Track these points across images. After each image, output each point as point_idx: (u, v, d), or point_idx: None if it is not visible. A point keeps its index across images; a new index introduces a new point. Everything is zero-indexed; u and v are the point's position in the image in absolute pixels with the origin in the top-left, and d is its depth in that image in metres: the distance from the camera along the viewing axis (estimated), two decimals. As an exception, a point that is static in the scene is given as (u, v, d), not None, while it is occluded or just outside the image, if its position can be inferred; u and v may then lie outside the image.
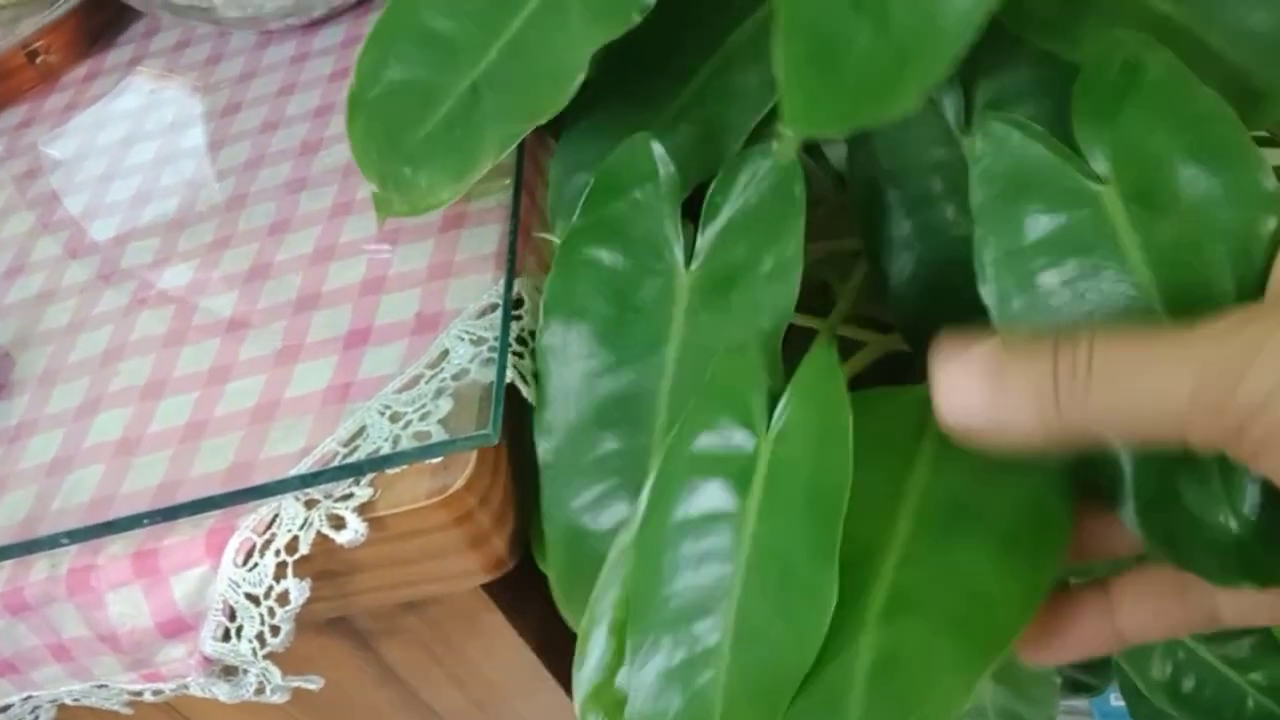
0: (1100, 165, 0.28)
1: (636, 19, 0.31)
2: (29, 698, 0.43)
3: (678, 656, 0.29)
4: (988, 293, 0.29)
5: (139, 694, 0.41)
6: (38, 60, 0.62)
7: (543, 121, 0.33)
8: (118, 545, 0.37)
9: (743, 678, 0.28)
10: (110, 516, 0.37)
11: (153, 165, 0.52)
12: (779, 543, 0.29)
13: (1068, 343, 0.23)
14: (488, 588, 0.39)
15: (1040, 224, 0.29)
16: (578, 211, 0.35)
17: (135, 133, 0.55)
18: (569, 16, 0.33)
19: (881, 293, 0.36)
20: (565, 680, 0.42)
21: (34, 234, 0.51)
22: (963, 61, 0.27)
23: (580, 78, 0.32)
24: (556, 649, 0.44)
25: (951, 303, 0.35)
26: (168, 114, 0.55)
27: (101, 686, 0.41)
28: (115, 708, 0.42)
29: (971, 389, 0.24)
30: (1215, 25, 0.29)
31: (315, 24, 0.56)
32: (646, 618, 0.30)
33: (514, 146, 0.35)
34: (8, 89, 0.61)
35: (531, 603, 0.42)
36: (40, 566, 0.38)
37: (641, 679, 0.30)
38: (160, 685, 0.40)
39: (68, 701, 0.42)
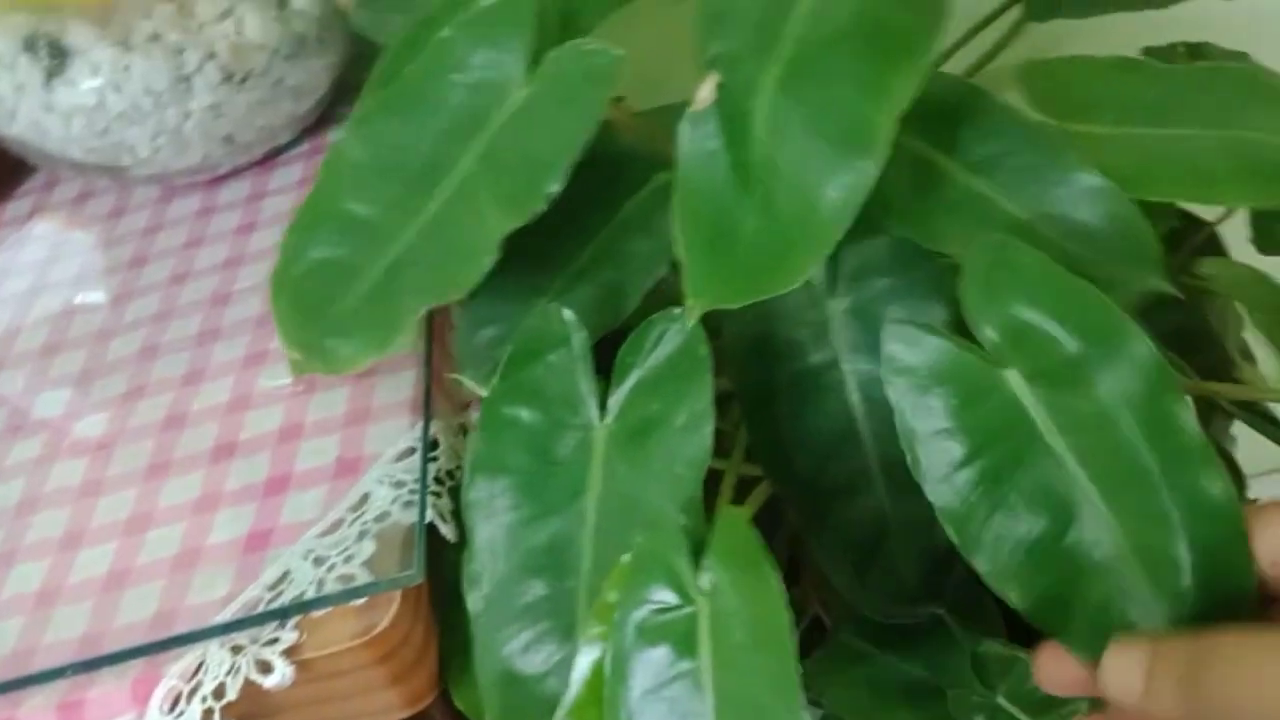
0: (998, 352, 0.32)
1: (541, 209, 0.34)
2: None
3: None
4: (922, 477, 0.32)
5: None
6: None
7: (458, 296, 0.36)
8: (40, 698, 0.37)
9: None
10: (32, 669, 0.37)
11: (60, 317, 0.52)
12: (741, 687, 0.31)
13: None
14: None
15: (949, 410, 0.33)
16: (498, 375, 0.37)
17: (39, 284, 0.55)
18: (480, 205, 0.35)
19: (755, 431, 0.39)
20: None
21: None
22: None
23: (491, 259, 0.35)
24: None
25: (816, 441, 0.38)
26: (73, 266, 0.55)
27: None
28: None
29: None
30: (1052, 221, 0.34)
31: (219, 179, 0.58)
32: None
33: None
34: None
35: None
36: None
37: None
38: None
39: None
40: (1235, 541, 0.30)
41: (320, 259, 0.37)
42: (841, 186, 0.29)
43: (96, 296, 0.53)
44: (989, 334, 0.32)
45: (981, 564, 0.32)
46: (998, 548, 0.32)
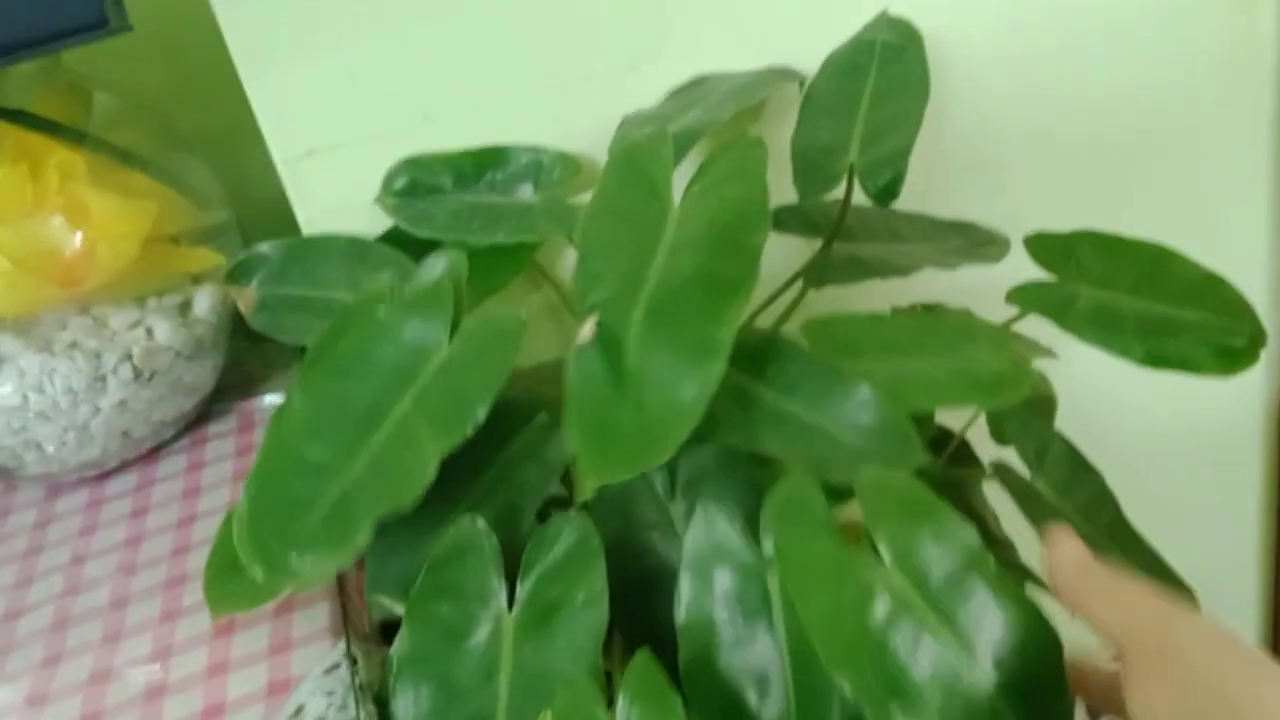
0: (767, 548, 0.42)
1: (470, 432, 0.43)
2: None
3: None
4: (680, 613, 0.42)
5: None
6: None
7: (398, 506, 0.43)
8: None
9: None
10: None
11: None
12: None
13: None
14: None
15: (725, 581, 0.42)
16: (422, 574, 0.44)
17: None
18: (418, 435, 0.44)
19: (625, 625, 0.47)
20: None
21: None
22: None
23: (430, 476, 0.43)
24: None
25: (642, 603, 0.46)
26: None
27: None
28: None
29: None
30: (836, 422, 0.45)
31: (106, 474, 0.63)
32: None
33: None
34: None
35: None
36: None
37: None
38: None
39: None
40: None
41: (281, 496, 0.43)
42: (696, 384, 0.40)
43: (-3, 581, 0.56)
44: (765, 538, 0.42)
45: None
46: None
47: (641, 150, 0.46)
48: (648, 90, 0.60)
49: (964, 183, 0.66)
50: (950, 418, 0.55)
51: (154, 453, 0.64)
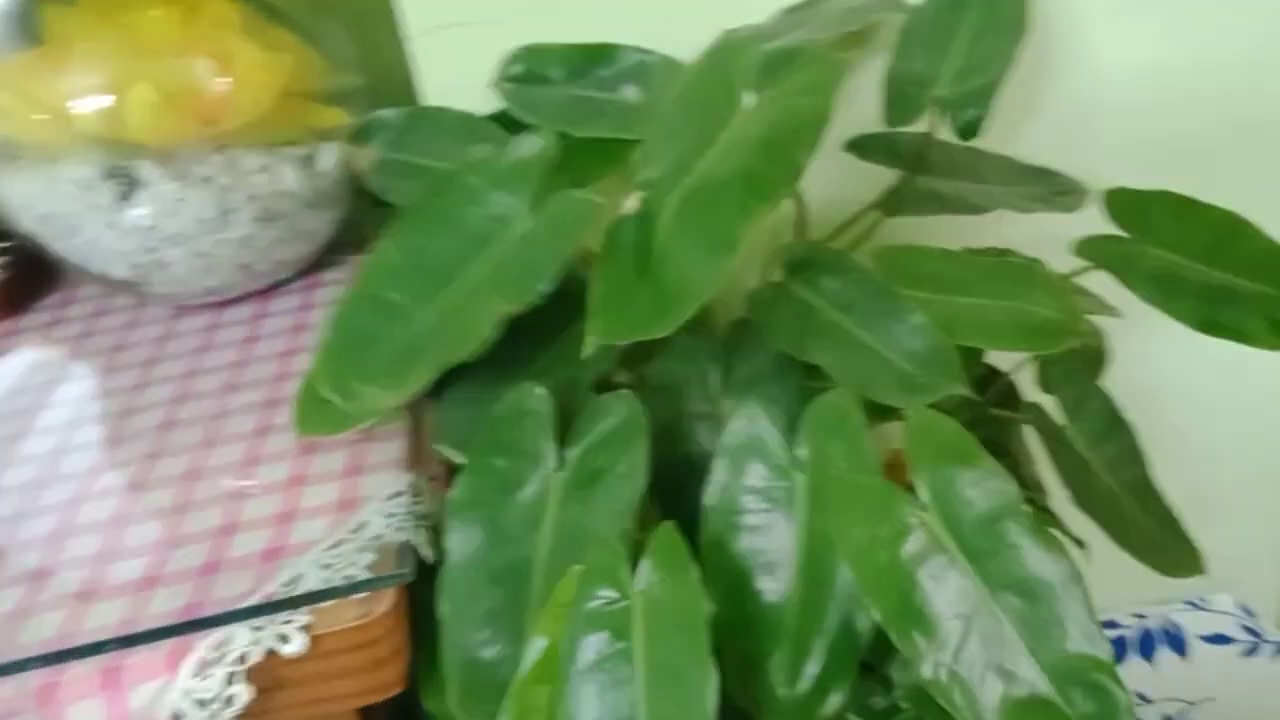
0: (801, 452, 0.43)
1: (534, 300, 0.45)
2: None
3: None
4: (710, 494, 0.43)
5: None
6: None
7: (456, 359, 0.45)
8: (85, 666, 0.42)
9: None
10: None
11: (89, 398, 0.59)
12: (665, 657, 0.40)
13: None
14: None
15: (756, 473, 0.44)
16: (484, 430, 0.46)
17: (59, 378, 0.62)
18: (488, 295, 0.46)
19: (662, 500, 0.49)
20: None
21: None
22: (727, 351, 0.42)
23: (491, 334, 0.45)
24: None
25: (682, 484, 0.48)
26: (95, 362, 0.62)
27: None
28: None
29: None
30: (886, 343, 0.45)
31: (226, 302, 0.66)
32: None
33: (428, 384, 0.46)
34: (-77, 338, 0.66)
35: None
36: (7, 685, 0.42)
37: None
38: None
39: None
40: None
41: (359, 329, 0.46)
42: (710, 273, 0.41)
43: (118, 383, 0.60)
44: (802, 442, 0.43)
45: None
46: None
47: (729, 50, 0.47)
48: (763, 7, 0.59)
49: (1051, 132, 0.64)
50: (1000, 359, 0.55)
51: (271, 289, 0.67)
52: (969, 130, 0.51)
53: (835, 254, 0.48)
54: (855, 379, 0.45)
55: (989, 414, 0.53)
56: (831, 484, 0.42)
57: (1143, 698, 0.92)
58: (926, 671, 0.38)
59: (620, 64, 0.58)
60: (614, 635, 0.41)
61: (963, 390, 0.44)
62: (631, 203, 0.44)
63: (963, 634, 0.39)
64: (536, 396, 0.47)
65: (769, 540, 0.43)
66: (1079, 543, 0.52)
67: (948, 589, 0.39)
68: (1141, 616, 0.94)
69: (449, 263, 0.46)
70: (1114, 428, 0.51)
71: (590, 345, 0.43)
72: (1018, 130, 0.59)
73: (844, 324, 0.46)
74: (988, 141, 0.51)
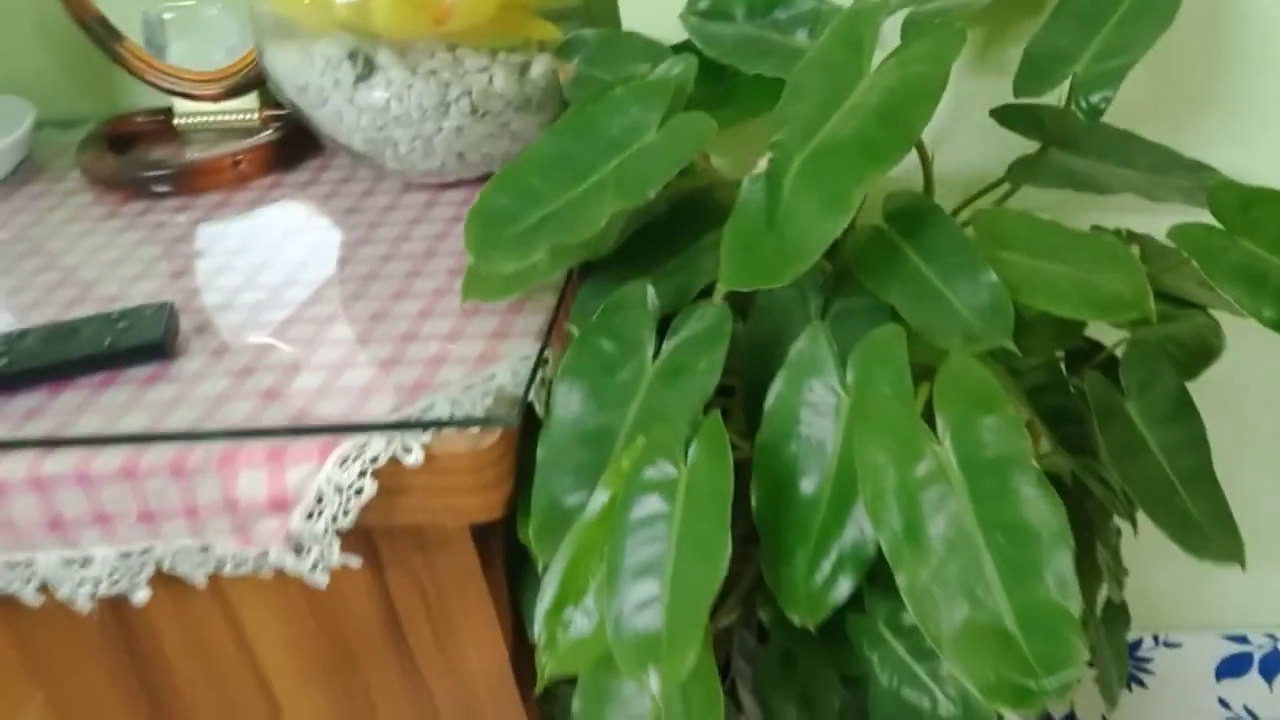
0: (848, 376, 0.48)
1: (640, 204, 0.51)
2: (145, 551, 0.57)
3: (635, 598, 0.46)
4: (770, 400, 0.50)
5: (223, 562, 0.56)
6: (238, 167, 0.81)
7: (572, 243, 0.52)
8: (258, 444, 0.54)
9: (677, 606, 0.45)
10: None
11: (319, 246, 0.71)
12: (694, 525, 0.46)
13: None
14: (485, 569, 0.56)
15: (812, 389, 0.49)
16: (596, 314, 0.54)
17: (304, 226, 0.74)
18: (606, 193, 0.52)
19: (747, 410, 0.54)
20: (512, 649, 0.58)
21: (219, 271, 0.69)
22: (831, 285, 0.47)
23: (603, 224, 0.51)
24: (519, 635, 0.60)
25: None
26: (329, 217, 0.74)
27: (204, 549, 0.56)
28: (197, 579, 0.57)
29: None
30: (956, 293, 0.49)
31: (445, 185, 0.76)
32: (615, 577, 0.47)
33: (562, 271, 0.54)
34: (213, 182, 0.80)
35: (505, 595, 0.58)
36: (202, 450, 0.54)
37: (617, 611, 0.46)
38: (249, 551, 0.55)
39: (165, 566, 0.57)
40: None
41: (501, 205, 0.54)
42: (826, 230, 0.46)
43: (340, 238, 0.72)
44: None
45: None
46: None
47: (861, 15, 0.51)
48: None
49: (1220, 126, 0.63)
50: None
51: (482, 179, 0.77)
52: (1095, 111, 0.53)
53: (931, 208, 0.51)
54: (921, 321, 0.49)
55: (1063, 380, 0.55)
56: (867, 406, 0.47)
57: (1251, 713, 0.90)
58: (901, 581, 0.43)
59: (796, 9, 0.63)
60: (662, 499, 0.48)
61: (1009, 345, 0.47)
62: (763, 163, 0.50)
63: (944, 557, 0.43)
64: (647, 294, 0.54)
65: (812, 449, 0.49)
66: (1132, 521, 0.54)
67: (942, 516, 0.43)
68: (1274, 638, 0.92)
69: (584, 160, 0.54)
70: (1180, 413, 0.52)
71: (719, 293, 0.49)
72: (1185, 121, 0.59)
73: (924, 271, 0.50)
74: (1156, 129, 0.52)
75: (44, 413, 0.57)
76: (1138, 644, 0.94)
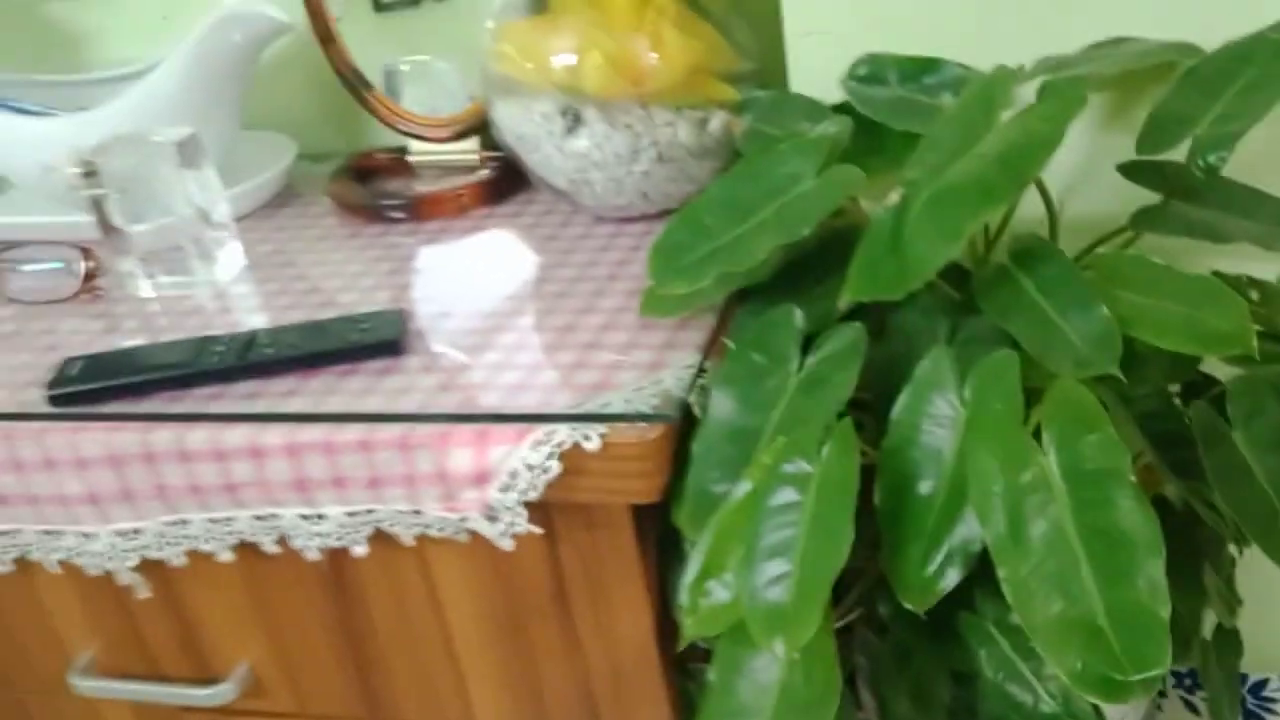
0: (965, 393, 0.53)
1: (797, 239, 0.58)
2: (370, 512, 0.67)
3: (767, 574, 0.52)
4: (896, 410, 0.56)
5: (430, 525, 0.65)
6: (459, 199, 0.92)
7: (735, 271, 0.59)
8: (468, 428, 0.63)
9: (803, 582, 0.51)
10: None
11: (518, 269, 0.81)
12: (824, 514, 0.52)
13: None
14: (640, 546, 0.63)
15: (933, 402, 0.55)
16: (750, 331, 0.61)
17: (508, 251, 0.84)
18: (768, 230, 0.59)
19: (876, 417, 0.60)
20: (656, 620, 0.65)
21: (441, 285, 0.80)
22: (959, 312, 0.52)
23: (764, 257, 0.58)
24: (663, 609, 0.67)
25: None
26: (532, 242, 0.84)
27: (416, 513, 0.65)
28: (406, 539, 0.66)
29: None
30: (1069, 323, 0.54)
31: (629, 219, 0.85)
32: (751, 556, 0.53)
33: (723, 294, 0.61)
34: (438, 211, 0.91)
35: (654, 571, 0.65)
36: (425, 430, 0.64)
37: (752, 585, 0.53)
38: (453, 516, 0.64)
39: (384, 526, 0.66)
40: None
41: (679, 238, 0.62)
42: (936, 258, 0.51)
43: (546, 259, 0.81)
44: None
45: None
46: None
47: (996, 80, 0.57)
48: (1077, 40, 0.67)
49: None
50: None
51: (661, 215, 0.85)
52: (1212, 169, 0.56)
53: (1051, 248, 0.56)
54: (1036, 347, 0.53)
55: (1175, 410, 0.58)
56: (981, 419, 0.52)
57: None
58: (1003, 574, 0.48)
59: (943, 75, 0.68)
60: (796, 491, 0.54)
61: (1116, 372, 0.51)
62: (894, 196, 0.56)
63: (1043, 555, 0.48)
64: (794, 316, 0.60)
65: (931, 455, 0.54)
66: (1238, 542, 0.56)
67: (1043, 519, 0.48)
68: None
69: (749, 202, 0.61)
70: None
71: (844, 301, 0.56)
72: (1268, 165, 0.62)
73: (1041, 304, 0.55)
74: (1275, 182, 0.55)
75: (299, 394, 0.68)
76: (1263, 683, 0.93)
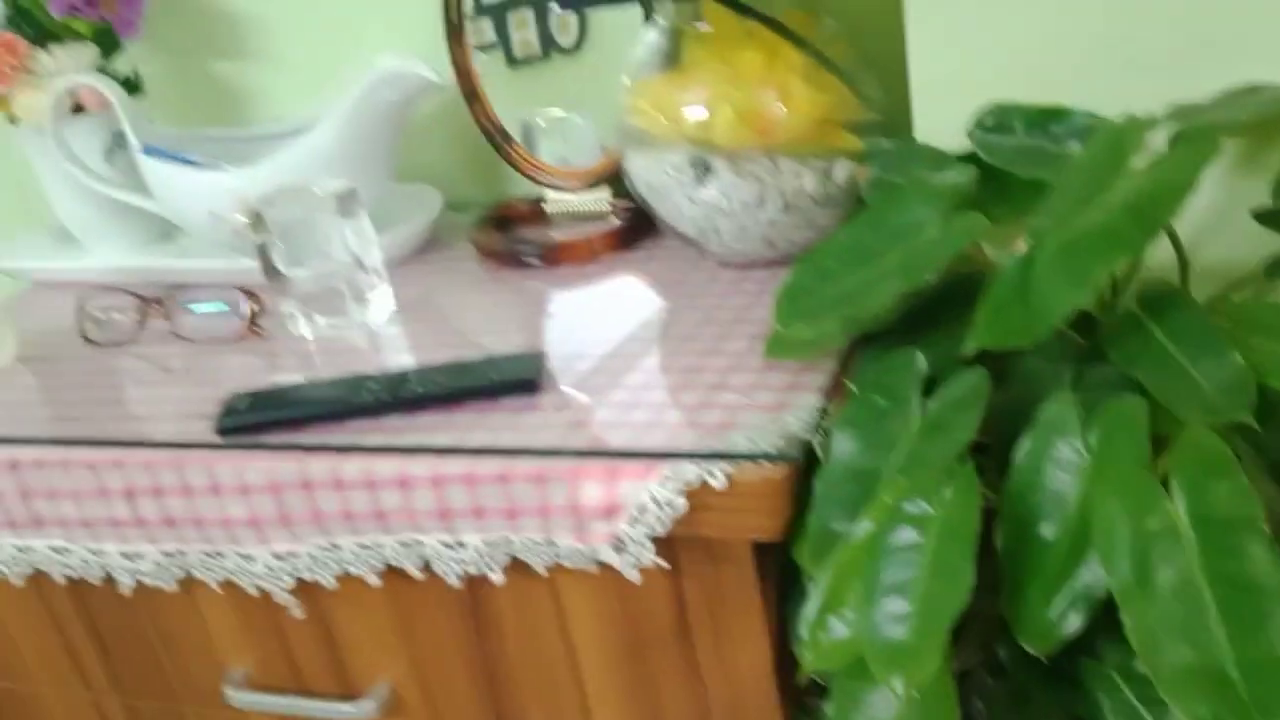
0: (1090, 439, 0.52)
1: (921, 285, 0.58)
2: (507, 541, 0.69)
3: (887, 612, 0.53)
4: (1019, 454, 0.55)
5: (559, 556, 0.67)
6: (592, 246, 0.95)
7: (859, 316, 0.60)
8: (599, 463, 0.64)
9: (924, 621, 0.51)
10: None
11: (647, 313, 0.83)
12: (945, 555, 0.52)
13: None
14: (760, 581, 0.64)
15: (1056, 447, 0.54)
16: (873, 374, 0.61)
17: (637, 295, 0.86)
18: (891, 275, 0.60)
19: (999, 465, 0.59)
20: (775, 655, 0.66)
21: (574, 328, 0.82)
22: (1085, 358, 0.52)
23: (887, 303, 0.59)
24: (781, 644, 0.67)
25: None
26: (659, 282, 0.86)
27: (550, 543, 0.67)
28: (540, 568, 0.68)
29: None
30: (1200, 370, 0.52)
31: (751, 264, 0.86)
32: (871, 593, 0.53)
33: (845, 338, 0.62)
34: (572, 257, 0.94)
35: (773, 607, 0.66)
36: (562, 464, 0.66)
37: (872, 622, 0.53)
38: (583, 547, 0.66)
39: (519, 555, 0.68)
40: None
41: (804, 283, 0.63)
42: (1066, 305, 0.51)
43: (672, 303, 0.83)
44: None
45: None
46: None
47: (1127, 128, 0.56)
48: (1208, 88, 0.65)
49: None
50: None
51: (783, 260, 0.86)
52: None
53: (1181, 294, 0.55)
54: (1165, 394, 0.52)
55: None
56: (1107, 465, 0.51)
57: None
58: (1128, 621, 0.47)
59: (1071, 124, 0.68)
60: (916, 532, 0.54)
61: (1249, 420, 0.50)
62: (1020, 244, 0.56)
63: (1169, 603, 0.46)
64: (916, 360, 0.61)
65: (1054, 500, 0.53)
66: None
67: (1170, 566, 0.47)
68: None
69: (874, 249, 0.61)
70: None
71: (970, 348, 0.56)
72: None
73: (1170, 350, 0.54)
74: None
75: (444, 428, 0.71)
76: None
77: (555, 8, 0.99)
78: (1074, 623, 0.51)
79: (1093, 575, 0.51)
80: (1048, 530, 0.53)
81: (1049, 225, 0.54)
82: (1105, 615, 0.52)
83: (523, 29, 0.99)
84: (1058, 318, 0.51)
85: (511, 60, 1.01)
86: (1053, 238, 0.54)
